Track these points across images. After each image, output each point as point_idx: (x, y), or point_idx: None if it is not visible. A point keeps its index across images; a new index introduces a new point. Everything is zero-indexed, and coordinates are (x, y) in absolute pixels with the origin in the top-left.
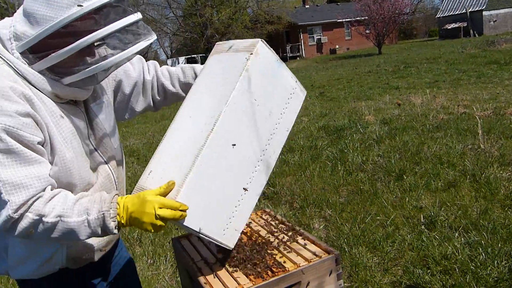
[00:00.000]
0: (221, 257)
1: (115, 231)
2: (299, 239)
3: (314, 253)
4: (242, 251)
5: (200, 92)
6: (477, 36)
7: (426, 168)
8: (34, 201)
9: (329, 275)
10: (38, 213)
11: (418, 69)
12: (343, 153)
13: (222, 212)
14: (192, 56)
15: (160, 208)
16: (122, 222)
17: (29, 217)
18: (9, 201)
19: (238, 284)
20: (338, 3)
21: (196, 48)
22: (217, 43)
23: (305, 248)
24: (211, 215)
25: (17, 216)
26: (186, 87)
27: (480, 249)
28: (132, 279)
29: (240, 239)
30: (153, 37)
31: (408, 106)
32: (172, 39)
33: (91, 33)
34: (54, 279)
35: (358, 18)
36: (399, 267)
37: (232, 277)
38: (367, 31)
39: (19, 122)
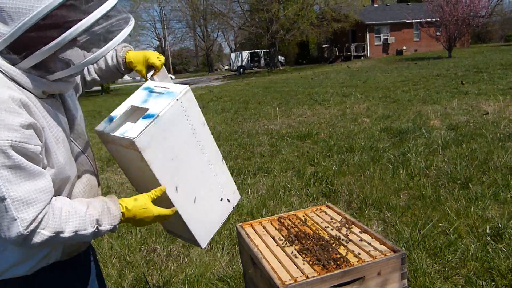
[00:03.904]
0: (285, 246)
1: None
2: (364, 235)
3: (379, 251)
4: (307, 242)
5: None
6: None
7: (494, 178)
8: (43, 216)
9: (394, 273)
10: (54, 231)
11: (491, 75)
12: (405, 157)
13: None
14: (256, 51)
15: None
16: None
17: (45, 234)
18: (18, 218)
19: (303, 273)
20: (409, 3)
21: (260, 43)
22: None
23: (370, 244)
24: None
25: (27, 233)
26: (100, 72)
27: None
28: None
29: (304, 231)
30: (132, 20)
31: (478, 113)
32: (237, 33)
33: (76, 22)
34: (44, 272)
35: (429, 19)
36: (460, 277)
37: (297, 266)
38: (438, 33)
39: (23, 136)
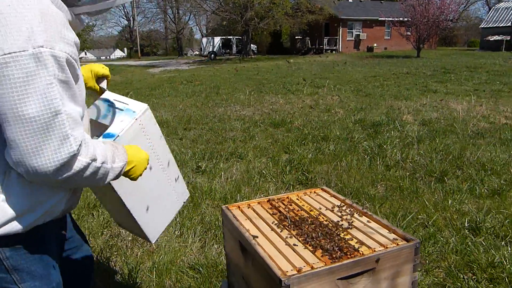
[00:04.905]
0: (281, 231)
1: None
2: (370, 222)
3: (389, 239)
4: (306, 228)
5: None
6: None
7: (468, 173)
8: (83, 143)
9: (406, 265)
10: (91, 158)
11: (457, 76)
12: (381, 148)
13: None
14: (228, 37)
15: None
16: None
17: (83, 160)
18: (72, 136)
19: (306, 263)
20: (382, 1)
21: (233, 29)
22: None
23: (377, 232)
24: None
25: (77, 153)
26: None
27: None
28: (78, 228)
29: (301, 215)
30: None
31: (447, 111)
32: (209, 18)
33: None
34: (35, 231)
35: (401, 19)
36: (441, 270)
37: (298, 254)
38: (408, 33)
39: (74, 52)
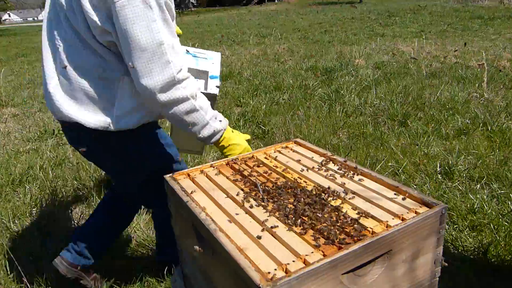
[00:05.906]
0: (250, 207)
1: (211, 142)
2: (371, 183)
3: (403, 206)
4: (285, 199)
5: None
6: None
7: (431, 114)
8: (187, 77)
9: (429, 239)
10: (192, 94)
11: (402, 19)
12: (338, 94)
13: None
14: None
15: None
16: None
17: (184, 93)
18: (172, 61)
19: (295, 254)
20: None
21: None
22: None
23: (384, 196)
24: None
25: (177, 78)
26: None
27: (509, 203)
28: None
29: (275, 180)
30: None
31: (397, 53)
32: None
33: None
34: (144, 127)
35: None
36: None
37: (281, 242)
38: None
39: None
